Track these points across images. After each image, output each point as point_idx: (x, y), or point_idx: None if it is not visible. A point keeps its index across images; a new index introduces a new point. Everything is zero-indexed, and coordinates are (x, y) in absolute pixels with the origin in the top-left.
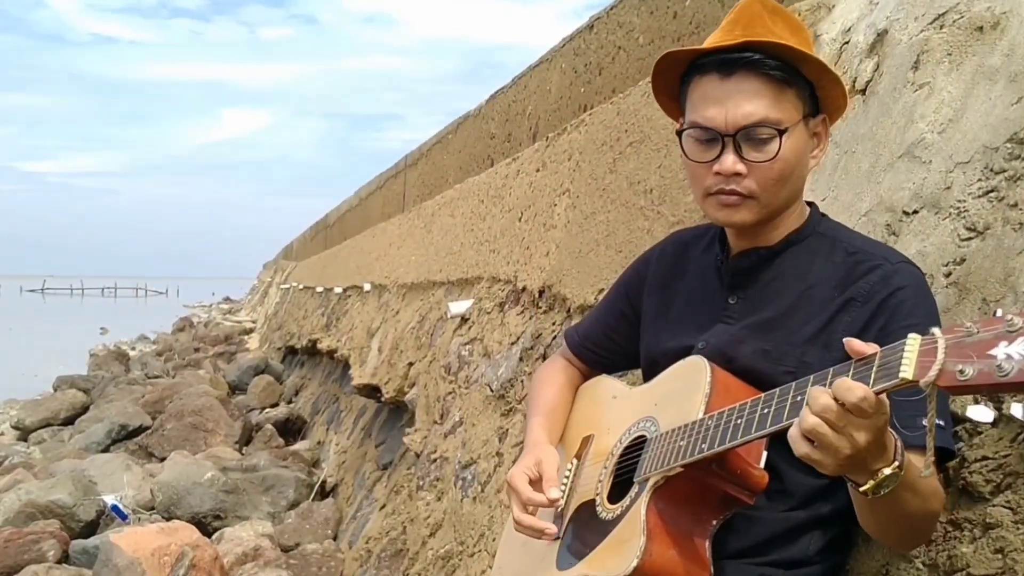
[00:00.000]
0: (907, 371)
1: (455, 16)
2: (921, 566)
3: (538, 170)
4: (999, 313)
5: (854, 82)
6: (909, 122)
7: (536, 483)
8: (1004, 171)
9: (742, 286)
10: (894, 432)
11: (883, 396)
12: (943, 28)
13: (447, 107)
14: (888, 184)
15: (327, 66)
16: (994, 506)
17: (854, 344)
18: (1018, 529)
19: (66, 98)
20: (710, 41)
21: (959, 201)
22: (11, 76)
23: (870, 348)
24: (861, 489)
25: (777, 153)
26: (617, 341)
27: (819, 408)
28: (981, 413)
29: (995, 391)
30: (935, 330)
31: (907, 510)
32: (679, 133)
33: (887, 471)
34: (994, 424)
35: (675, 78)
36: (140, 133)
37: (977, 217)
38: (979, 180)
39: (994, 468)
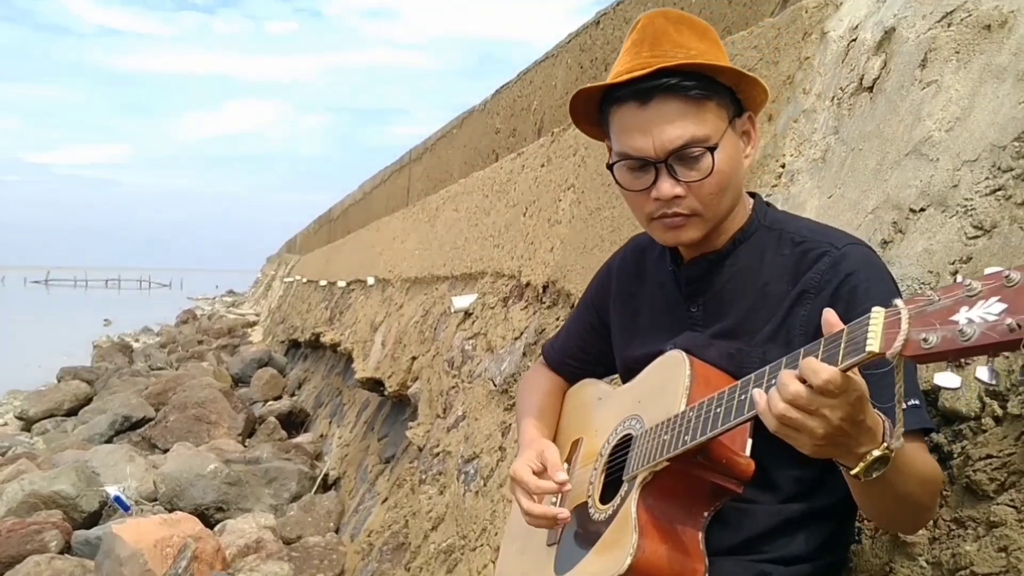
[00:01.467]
0: (873, 344)
1: (460, 11)
2: (924, 564)
3: (543, 165)
4: (958, 279)
5: (861, 80)
6: (916, 120)
7: (540, 474)
8: (1011, 169)
9: (700, 293)
10: (882, 414)
11: (853, 373)
12: (951, 26)
13: (452, 102)
14: (895, 182)
15: (332, 60)
16: (998, 504)
17: (828, 316)
18: (1022, 527)
19: (72, 90)
20: (619, 65)
21: (966, 199)
22: (17, 67)
23: (840, 324)
24: (852, 472)
25: (712, 169)
26: (591, 353)
27: (789, 395)
28: (948, 379)
29: (960, 356)
30: (898, 301)
31: (904, 491)
32: (610, 167)
33: (876, 453)
34: (998, 421)
35: (592, 107)
36: (145, 125)
37: (984, 215)
38: (986, 178)
39: (998, 467)
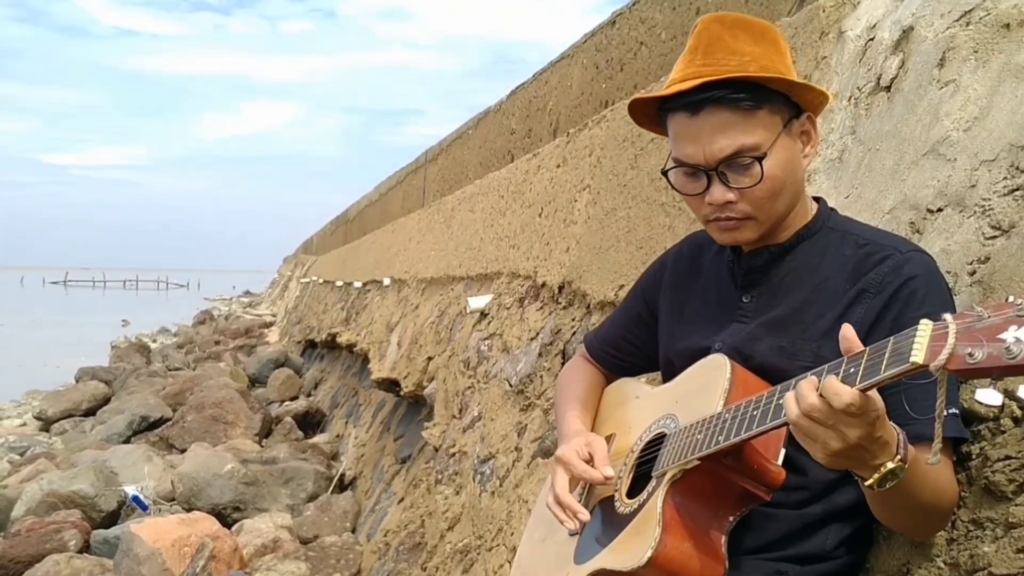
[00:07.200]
0: (918, 356)
1: (474, 11)
2: (943, 565)
3: (559, 166)
4: (1010, 299)
5: (878, 79)
6: (934, 120)
7: (588, 463)
8: None
9: (755, 284)
10: (896, 426)
11: (873, 393)
12: (969, 25)
13: (467, 102)
14: (912, 182)
15: (347, 60)
16: (1016, 505)
17: (847, 332)
18: None
19: (89, 91)
20: (675, 72)
21: (984, 199)
22: (34, 69)
23: (859, 346)
24: (866, 484)
25: (761, 176)
26: (635, 344)
27: (807, 407)
28: (990, 396)
29: (1004, 374)
30: (947, 316)
31: (919, 501)
32: (664, 173)
33: (890, 465)
34: (1017, 422)
35: (652, 111)
36: (162, 126)
37: (1002, 215)
38: (1004, 178)
39: (1017, 467)
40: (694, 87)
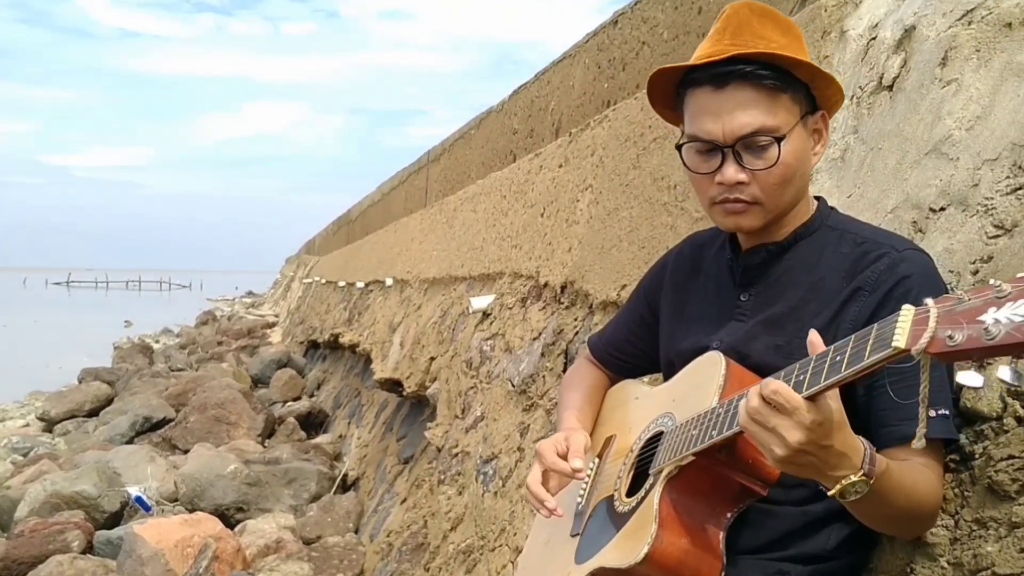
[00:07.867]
0: (900, 340)
1: (476, 11)
2: (946, 565)
3: (561, 166)
4: (992, 282)
5: (880, 78)
6: (936, 119)
7: (563, 456)
8: None
9: (753, 282)
10: (864, 440)
11: (826, 401)
12: (971, 24)
13: (469, 102)
14: (915, 181)
15: (349, 61)
16: (1020, 505)
17: (813, 337)
18: None
19: (91, 92)
20: (700, 50)
21: (987, 198)
22: (36, 70)
23: (822, 346)
24: (828, 494)
25: (777, 159)
26: (639, 346)
27: (751, 408)
28: (970, 378)
29: (984, 355)
30: (928, 300)
31: (892, 509)
32: (679, 147)
33: (853, 478)
34: (1020, 422)
35: (671, 90)
36: (165, 127)
37: (1005, 214)
38: (1007, 177)
39: (1020, 467)
40: (723, 59)
